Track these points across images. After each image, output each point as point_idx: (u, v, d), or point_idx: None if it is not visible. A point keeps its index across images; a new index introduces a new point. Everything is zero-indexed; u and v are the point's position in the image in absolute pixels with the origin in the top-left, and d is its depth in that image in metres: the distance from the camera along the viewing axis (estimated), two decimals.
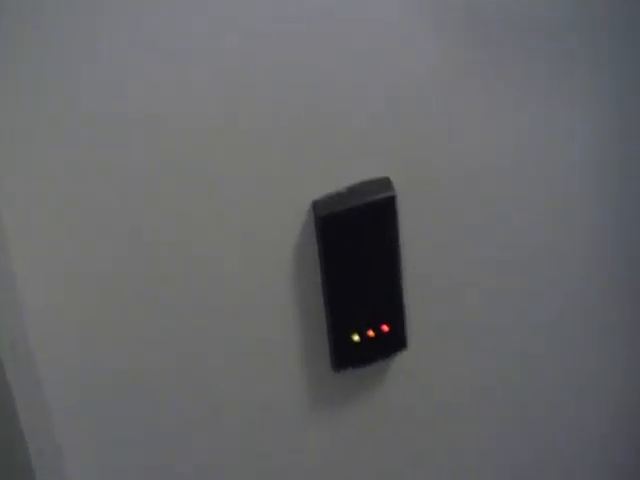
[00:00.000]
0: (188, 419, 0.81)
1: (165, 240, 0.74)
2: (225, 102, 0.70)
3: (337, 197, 0.78)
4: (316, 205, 0.77)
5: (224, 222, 0.75)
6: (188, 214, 0.73)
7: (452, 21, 0.74)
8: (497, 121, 0.80)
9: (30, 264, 0.69)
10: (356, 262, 0.79)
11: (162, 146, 0.70)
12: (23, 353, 0.70)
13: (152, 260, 0.74)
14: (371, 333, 0.82)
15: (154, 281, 0.75)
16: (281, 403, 0.84)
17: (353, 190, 0.78)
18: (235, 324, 0.79)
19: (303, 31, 0.69)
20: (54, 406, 0.75)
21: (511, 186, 0.84)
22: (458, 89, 0.78)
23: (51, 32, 0.61)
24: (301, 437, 0.86)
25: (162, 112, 0.68)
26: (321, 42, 0.71)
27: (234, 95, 0.70)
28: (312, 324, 0.82)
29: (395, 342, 0.84)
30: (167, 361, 0.78)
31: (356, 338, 0.82)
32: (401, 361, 0.86)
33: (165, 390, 0.79)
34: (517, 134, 0.82)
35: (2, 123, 0.63)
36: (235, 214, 0.75)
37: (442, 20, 0.74)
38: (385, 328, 0.83)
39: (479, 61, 0.77)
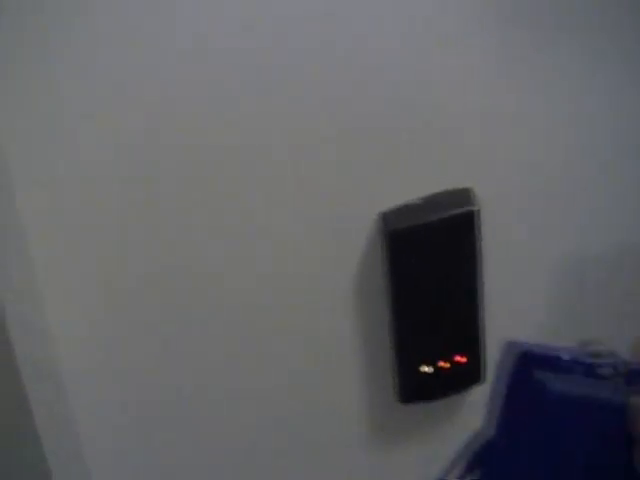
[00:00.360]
0: (238, 444, 0.74)
1: (213, 252, 0.67)
2: (287, 104, 0.64)
3: (409, 210, 0.69)
4: (385, 218, 0.68)
5: (275, 237, 0.68)
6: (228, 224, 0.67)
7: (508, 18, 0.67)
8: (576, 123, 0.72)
9: (54, 276, 0.65)
10: (429, 284, 0.70)
11: (202, 151, 0.65)
12: (46, 368, 0.66)
13: (201, 274, 0.68)
14: (443, 364, 0.73)
15: (203, 298, 0.68)
16: (342, 435, 0.76)
17: (428, 202, 0.69)
18: (294, 348, 0.72)
19: (371, 33, 0.65)
20: (79, 423, 0.70)
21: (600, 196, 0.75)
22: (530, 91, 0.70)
23: (51, 32, 0.59)
24: (362, 470, 0.78)
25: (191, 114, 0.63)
26: (390, 43, 0.65)
27: (297, 95, 0.64)
28: (377, 351, 0.73)
29: (470, 375, 0.74)
30: (219, 383, 0.72)
31: (426, 369, 0.72)
32: (476, 395, 0.77)
33: (216, 416, 0.73)
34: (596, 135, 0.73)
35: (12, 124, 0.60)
36: (290, 228, 0.67)
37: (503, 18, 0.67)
38: (459, 359, 0.73)
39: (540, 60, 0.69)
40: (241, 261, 0.68)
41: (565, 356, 0.42)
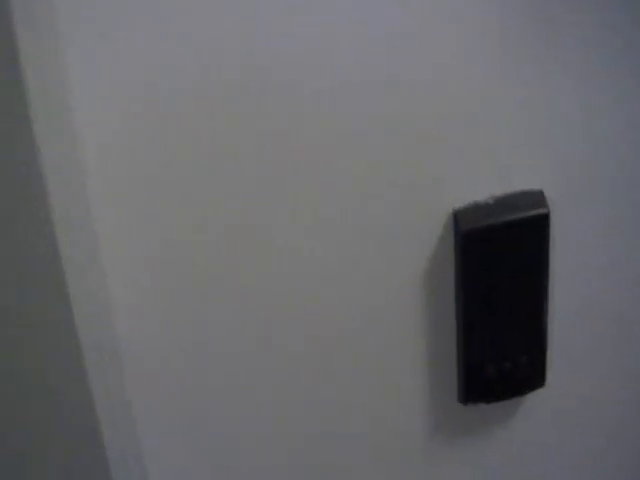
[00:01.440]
0: (300, 442, 0.74)
1: (277, 243, 0.66)
2: (364, 99, 0.63)
3: (482, 209, 0.68)
4: (458, 216, 0.67)
5: (345, 229, 0.67)
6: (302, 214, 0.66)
7: None
8: None
9: (118, 258, 0.63)
10: (497, 285, 0.69)
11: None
12: (108, 350, 0.65)
13: (259, 262, 0.66)
14: (507, 366, 0.72)
15: (261, 287, 0.67)
16: (402, 433, 0.76)
17: (501, 202, 0.69)
18: (357, 345, 0.71)
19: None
20: (137, 406, 0.68)
21: None
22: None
23: None
24: (422, 470, 0.78)
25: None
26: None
27: (375, 93, 0.63)
28: (441, 350, 0.73)
29: (533, 378, 0.74)
30: (276, 382, 0.71)
31: (490, 371, 0.72)
32: (536, 399, 0.76)
33: (277, 417, 0.72)
34: None
35: None
36: (361, 222, 0.67)
37: None
38: (523, 362, 0.72)
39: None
40: (309, 254, 0.67)
41: None
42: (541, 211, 0.68)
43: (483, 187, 0.68)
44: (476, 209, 0.68)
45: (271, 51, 0.60)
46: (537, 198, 0.69)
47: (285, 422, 0.72)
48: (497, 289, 0.69)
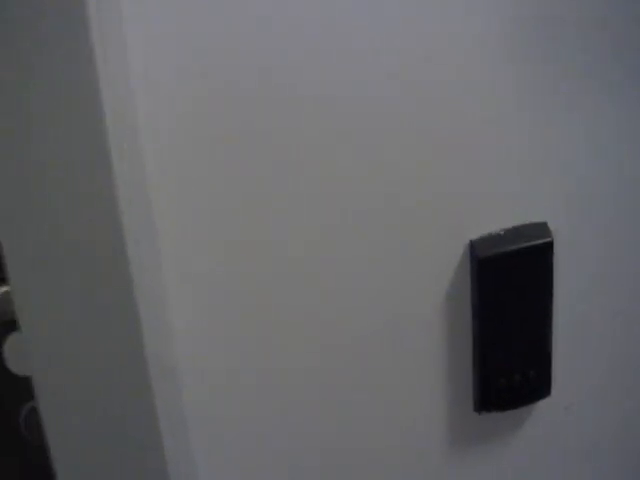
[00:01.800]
0: (326, 451, 0.81)
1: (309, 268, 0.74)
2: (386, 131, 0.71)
3: (495, 239, 0.77)
4: (474, 245, 0.77)
5: (371, 253, 0.74)
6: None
7: None
8: None
9: (179, 275, 0.68)
10: (509, 307, 0.79)
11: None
12: (169, 366, 0.70)
13: (297, 284, 0.73)
14: (517, 378, 0.81)
15: (300, 311, 0.75)
16: (421, 440, 0.83)
17: (511, 233, 0.78)
18: (382, 362, 0.79)
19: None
20: (193, 421, 0.74)
21: None
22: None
23: None
24: (439, 475, 0.86)
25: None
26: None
27: (396, 127, 0.71)
28: (458, 365, 0.81)
29: (540, 388, 0.83)
30: (311, 396, 0.78)
31: (503, 382, 0.81)
32: (543, 407, 0.85)
33: (308, 423, 0.79)
34: None
35: None
36: (386, 246, 0.75)
37: None
38: (531, 374, 0.82)
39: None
40: (333, 280, 0.74)
41: None
42: (546, 240, 0.78)
43: (495, 220, 0.77)
44: (489, 239, 0.77)
45: (278, 52, 0.65)
46: (542, 229, 0.79)
47: (314, 431, 0.79)
48: (508, 309, 0.79)
